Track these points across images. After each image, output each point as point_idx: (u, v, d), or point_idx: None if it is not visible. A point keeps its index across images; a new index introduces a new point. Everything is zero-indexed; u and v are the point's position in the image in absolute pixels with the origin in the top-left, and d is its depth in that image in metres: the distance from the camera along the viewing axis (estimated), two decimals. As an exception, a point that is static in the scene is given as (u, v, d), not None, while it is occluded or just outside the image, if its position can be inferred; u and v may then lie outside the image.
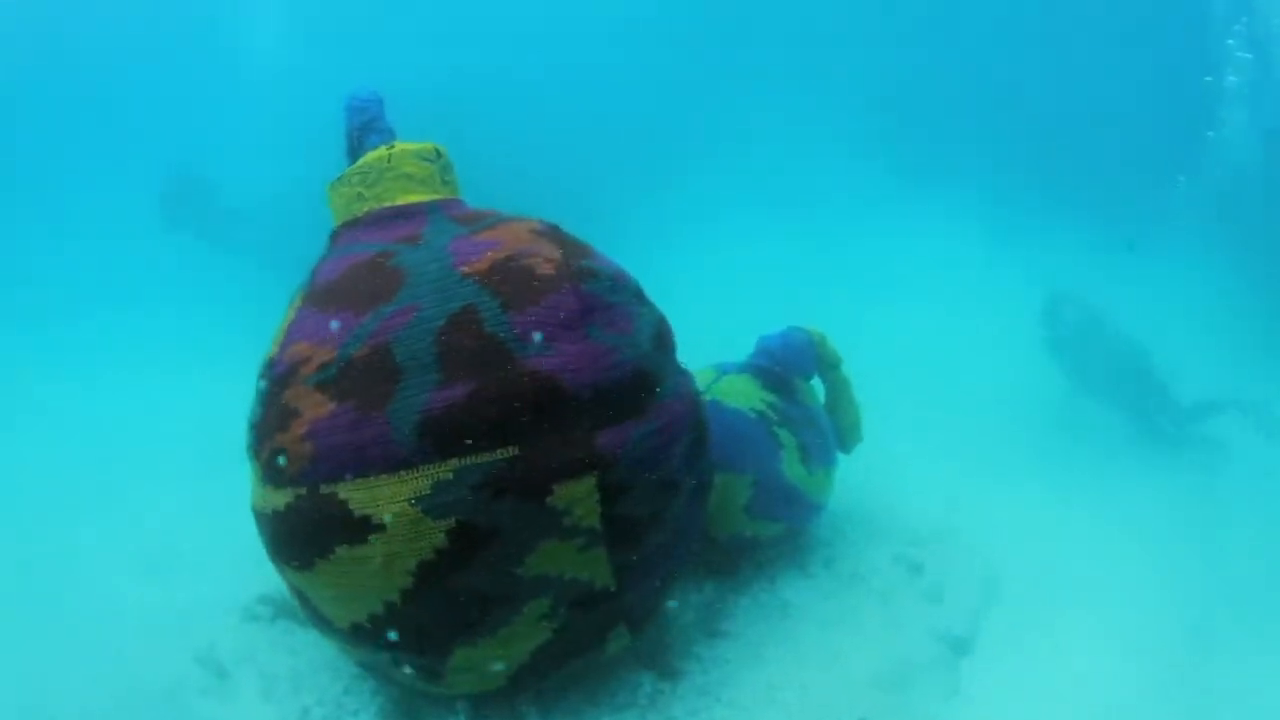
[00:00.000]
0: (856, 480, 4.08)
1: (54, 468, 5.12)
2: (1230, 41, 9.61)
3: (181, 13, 16.71)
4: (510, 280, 2.37)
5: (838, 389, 3.87)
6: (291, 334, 2.46)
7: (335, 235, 2.75)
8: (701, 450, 2.70)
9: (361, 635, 2.41)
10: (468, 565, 2.23)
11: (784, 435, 3.39)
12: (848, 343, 3.90)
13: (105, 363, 7.77)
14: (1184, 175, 9.88)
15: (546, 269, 2.43)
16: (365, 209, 2.70)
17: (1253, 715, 3.09)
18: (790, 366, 3.65)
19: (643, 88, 15.31)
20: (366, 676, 2.84)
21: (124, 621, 3.32)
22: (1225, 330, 7.91)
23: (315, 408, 2.27)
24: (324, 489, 2.24)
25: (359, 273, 2.46)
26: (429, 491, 2.18)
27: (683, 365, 2.83)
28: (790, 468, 3.36)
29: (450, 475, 2.18)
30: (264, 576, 3.00)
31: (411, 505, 2.18)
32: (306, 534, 2.29)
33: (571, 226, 2.78)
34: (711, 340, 3.87)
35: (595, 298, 2.46)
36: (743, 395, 3.46)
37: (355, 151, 2.88)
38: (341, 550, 2.25)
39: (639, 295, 2.71)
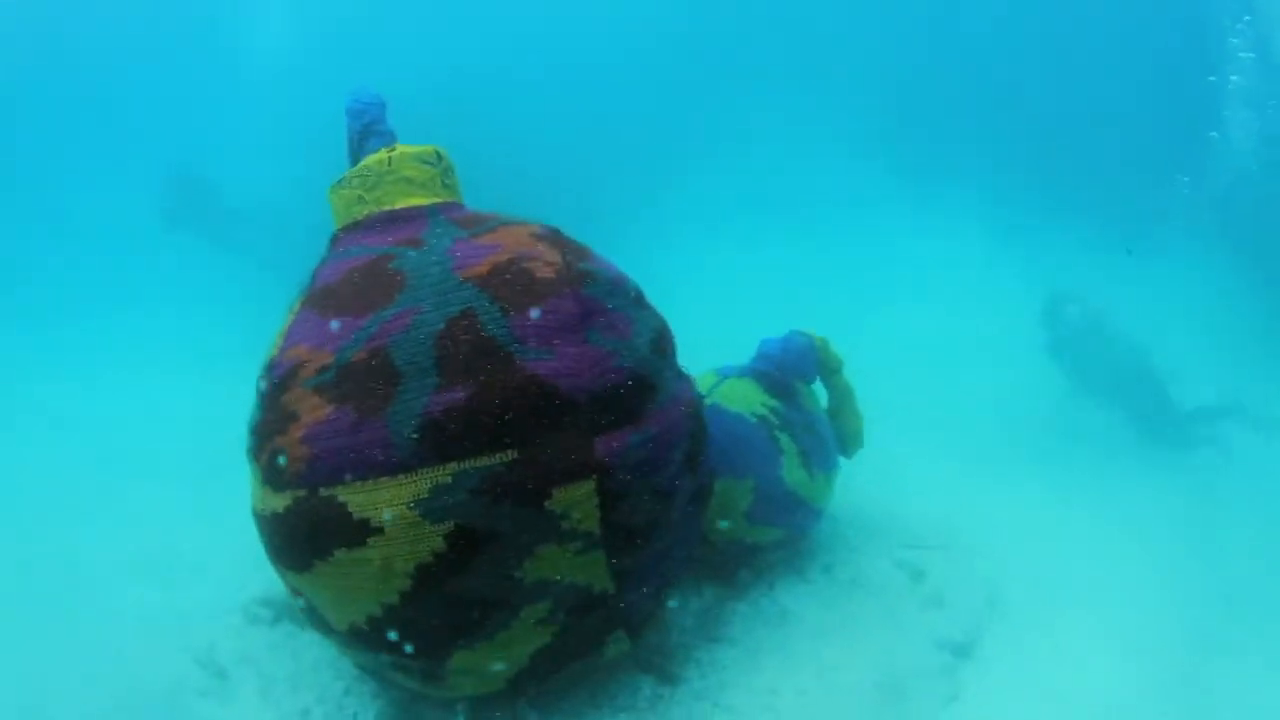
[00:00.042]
0: (857, 484, 4.08)
1: (54, 468, 5.12)
2: (1233, 40, 9.56)
3: (181, 13, 16.70)
4: (510, 284, 2.37)
5: (839, 393, 3.87)
6: (291, 336, 2.46)
7: (336, 238, 2.76)
8: (701, 455, 2.70)
9: (360, 637, 2.41)
10: (466, 569, 2.23)
11: (785, 440, 3.38)
12: (848, 344, 3.90)
13: (105, 363, 7.78)
14: (1187, 176, 9.83)
15: (546, 273, 2.43)
16: (366, 212, 2.70)
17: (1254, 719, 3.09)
18: (791, 371, 3.65)
19: (643, 89, 15.32)
20: (367, 678, 2.84)
21: (124, 622, 3.32)
22: (1226, 331, 7.91)
23: (314, 411, 2.28)
24: (323, 492, 2.24)
25: (359, 276, 2.46)
26: (427, 495, 2.18)
27: (683, 369, 2.83)
28: (791, 473, 3.35)
29: (449, 479, 2.18)
30: (265, 578, 3.00)
31: (410, 508, 2.18)
32: (305, 536, 2.29)
33: (572, 229, 2.78)
34: (713, 344, 3.87)
35: (595, 302, 2.46)
36: (744, 400, 3.45)
37: (356, 154, 2.88)
38: (340, 553, 2.25)
39: (639, 299, 2.70)
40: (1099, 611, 3.47)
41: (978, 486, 4.61)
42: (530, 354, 2.28)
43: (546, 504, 2.23)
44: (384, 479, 2.19)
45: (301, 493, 2.28)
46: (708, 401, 3.35)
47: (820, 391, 3.87)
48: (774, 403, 3.48)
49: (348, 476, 2.21)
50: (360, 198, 2.71)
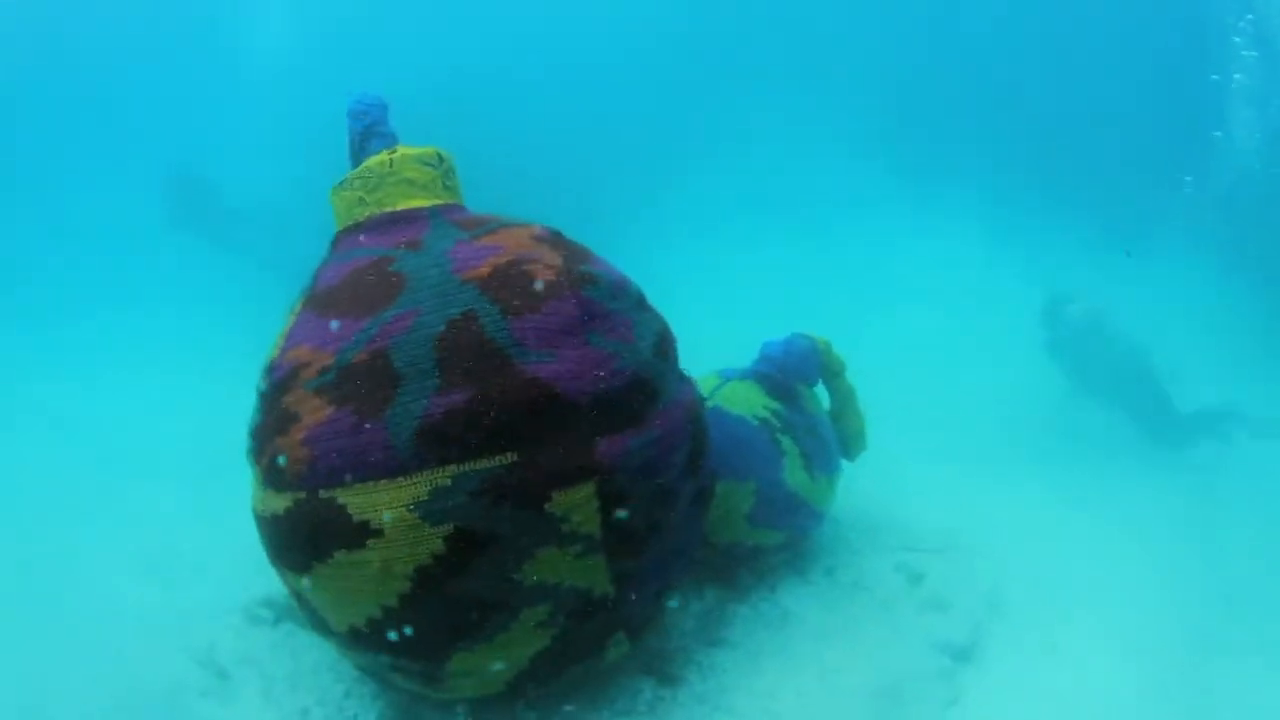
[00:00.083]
0: (859, 486, 4.07)
1: (54, 468, 5.12)
2: (1236, 39, 9.52)
3: (182, 13, 16.70)
4: (510, 286, 2.36)
5: (842, 396, 3.86)
6: (292, 338, 2.46)
7: (337, 240, 2.75)
8: (702, 458, 2.69)
9: (360, 639, 2.41)
10: (465, 571, 2.23)
11: (786, 443, 3.38)
12: (849, 345, 3.89)
13: (105, 363, 7.78)
14: (1190, 175, 9.79)
15: (547, 275, 2.43)
16: (367, 214, 2.69)
17: (1256, 722, 3.09)
18: (793, 373, 3.64)
19: (643, 90, 15.30)
20: (367, 680, 2.85)
21: (124, 622, 3.31)
22: (1226, 331, 7.91)
23: (314, 412, 2.28)
24: (323, 493, 2.24)
25: (360, 278, 2.46)
26: (427, 497, 2.18)
27: (685, 372, 2.82)
28: (793, 475, 3.35)
29: (448, 481, 2.18)
30: (266, 579, 3.00)
31: (410, 511, 2.18)
32: (305, 538, 2.29)
33: (573, 230, 2.78)
34: (715, 346, 3.87)
35: (596, 304, 2.45)
36: (745, 402, 3.44)
37: (358, 156, 2.87)
38: (340, 555, 2.25)
39: (640, 302, 2.70)
40: (1099, 614, 3.47)
41: (979, 488, 4.61)
42: (531, 356, 2.27)
43: (546, 507, 2.23)
44: (384, 481, 2.19)
45: (301, 494, 2.28)
46: (710, 404, 3.34)
47: (823, 394, 3.87)
48: (776, 405, 3.47)
49: (348, 478, 2.21)
50: (361, 199, 2.71)
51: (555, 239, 2.65)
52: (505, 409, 2.21)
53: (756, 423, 3.38)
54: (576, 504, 2.26)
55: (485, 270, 2.39)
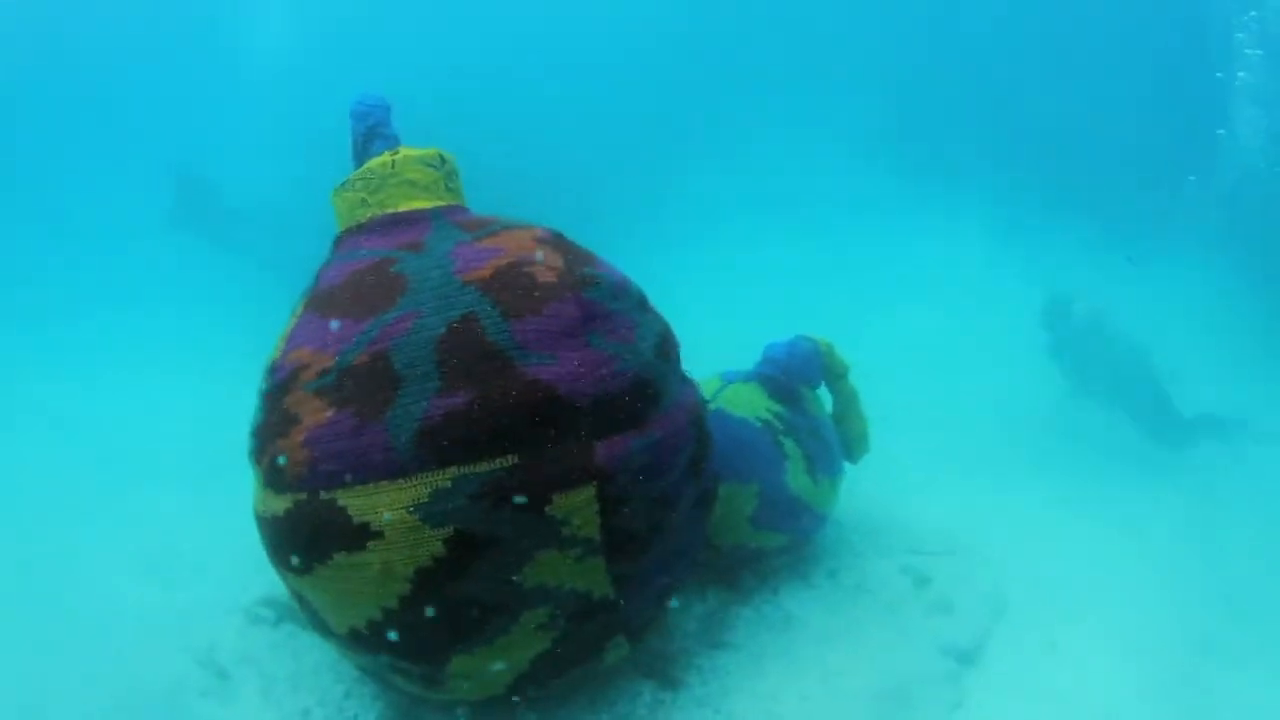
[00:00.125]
0: (862, 489, 4.07)
1: (54, 468, 5.12)
2: (1240, 35, 9.47)
3: (183, 13, 16.71)
4: (511, 288, 2.35)
5: (845, 398, 3.85)
6: (293, 339, 2.46)
7: (339, 241, 2.75)
8: (704, 461, 2.68)
9: (360, 641, 2.40)
10: (465, 574, 2.22)
11: (789, 445, 3.37)
12: (851, 346, 3.88)
13: (105, 363, 7.78)
14: (1194, 175, 9.73)
15: (548, 277, 2.42)
16: (369, 215, 2.69)
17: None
18: (796, 376, 3.63)
19: (644, 91, 15.29)
20: (368, 680, 2.84)
21: (124, 622, 3.31)
22: (1228, 331, 7.90)
23: (315, 414, 2.27)
24: (323, 495, 2.24)
25: (361, 279, 2.45)
26: (427, 499, 2.17)
27: (687, 374, 2.81)
28: (795, 478, 3.34)
29: (449, 484, 2.17)
30: (266, 579, 3.00)
31: (410, 513, 2.17)
32: (306, 539, 2.29)
33: (575, 231, 2.77)
34: (715, 346, 3.87)
35: (597, 306, 2.44)
36: (748, 404, 3.43)
37: (360, 157, 2.87)
38: (340, 556, 2.24)
39: (642, 303, 2.69)
40: (1102, 616, 3.46)
41: (981, 490, 4.60)
42: (531, 358, 2.27)
43: (547, 509, 2.22)
44: (384, 483, 2.18)
45: (302, 495, 2.27)
46: (712, 406, 3.33)
47: (826, 396, 3.86)
48: (778, 408, 3.47)
49: (348, 480, 2.21)
50: (363, 200, 2.70)
51: (557, 241, 2.64)
52: (506, 411, 2.20)
53: (759, 425, 3.37)
54: (577, 507, 2.25)
55: (487, 272, 2.38)
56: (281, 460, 2.31)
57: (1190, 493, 5.11)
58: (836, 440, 3.71)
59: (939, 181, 12.56)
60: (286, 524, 2.32)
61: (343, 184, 2.77)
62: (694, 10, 16.36)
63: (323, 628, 2.50)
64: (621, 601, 2.46)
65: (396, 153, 2.75)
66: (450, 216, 2.68)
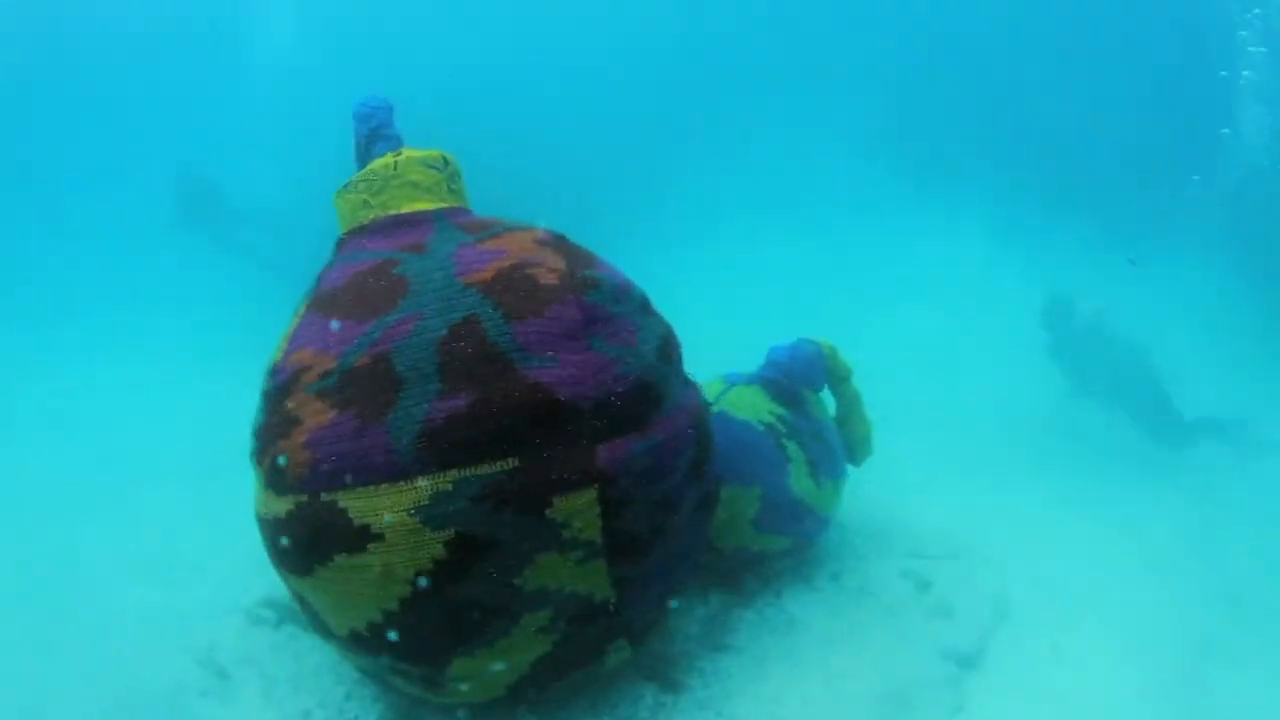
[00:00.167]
0: (865, 491, 4.06)
1: (54, 468, 5.13)
2: (1243, 33, 9.41)
3: (185, 14, 16.71)
4: (513, 290, 2.35)
5: (848, 402, 3.84)
6: (295, 340, 2.45)
7: (341, 242, 2.74)
8: (706, 464, 2.68)
9: (360, 643, 2.40)
10: (466, 576, 2.21)
11: (792, 448, 3.36)
12: (851, 347, 3.87)
13: (105, 363, 7.78)
14: (1198, 175, 9.66)
15: (550, 279, 2.41)
16: (371, 216, 2.68)
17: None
18: (799, 378, 3.62)
19: (645, 92, 15.28)
20: (368, 682, 2.84)
21: (124, 622, 3.32)
22: (1232, 332, 7.89)
23: (316, 416, 2.27)
24: (324, 497, 2.23)
25: (363, 280, 2.45)
26: (428, 502, 2.17)
27: (690, 376, 2.81)
28: (798, 481, 3.33)
29: (449, 486, 2.17)
30: (266, 579, 3.00)
31: (410, 515, 2.17)
32: (307, 541, 2.28)
33: (577, 231, 2.77)
34: (715, 346, 3.86)
35: (599, 309, 2.44)
36: (751, 407, 3.43)
37: (364, 158, 2.87)
38: (340, 558, 2.24)
39: (644, 306, 2.68)
40: (1105, 619, 3.45)
41: (983, 492, 4.59)
42: (533, 361, 2.26)
43: (547, 512, 2.21)
44: (385, 485, 2.18)
45: (303, 497, 2.27)
46: (715, 409, 3.33)
47: (829, 399, 3.85)
48: (781, 410, 3.46)
49: (349, 482, 2.20)
50: (366, 202, 2.69)
51: (559, 243, 2.63)
52: (507, 414, 2.20)
53: (762, 428, 3.36)
54: (577, 510, 2.25)
55: (488, 274, 2.38)
56: (282, 461, 2.31)
57: (1191, 493, 5.11)
58: (839, 443, 3.69)
59: (939, 181, 12.56)
60: (288, 525, 2.32)
61: (345, 185, 2.77)
62: (694, 11, 16.36)
63: (323, 629, 2.50)
64: (623, 604, 2.45)
65: (399, 154, 2.75)
66: (453, 218, 2.67)
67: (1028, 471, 5.15)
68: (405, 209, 2.67)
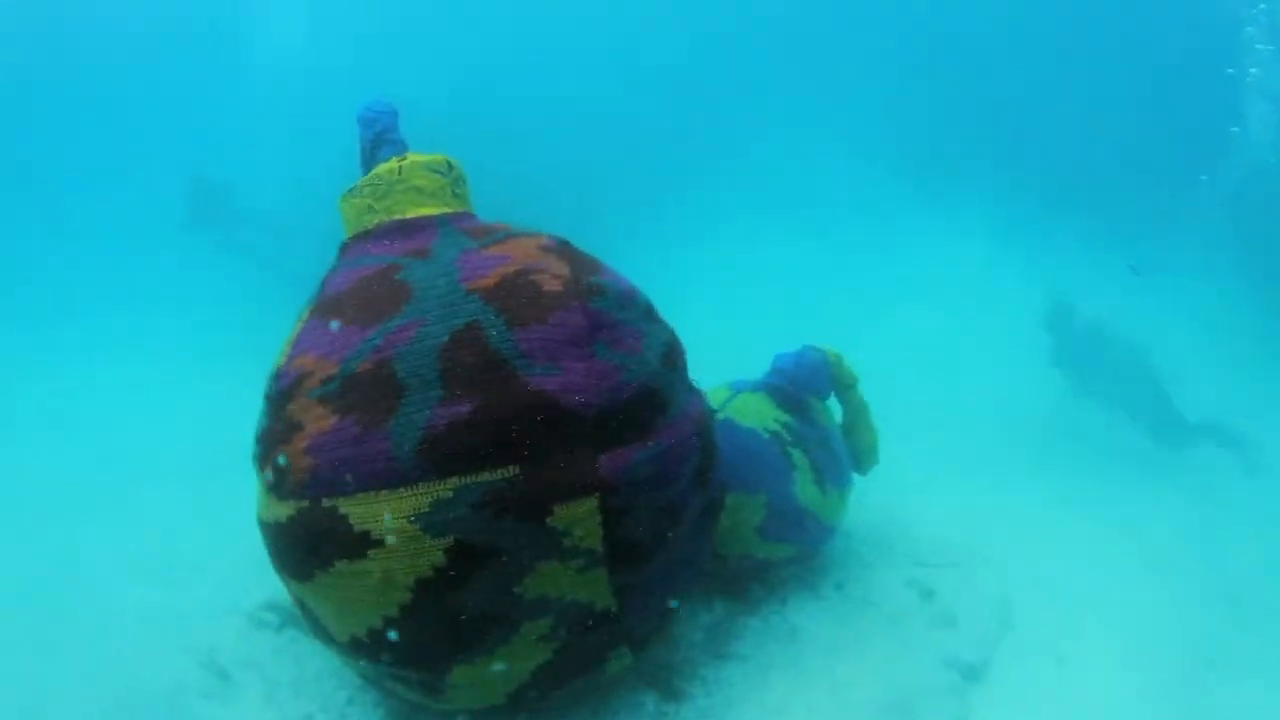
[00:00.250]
0: (872, 499, 4.04)
1: (54, 468, 5.12)
2: (1250, 29, 9.34)
3: (189, 14, 16.71)
4: (516, 297, 2.34)
5: (854, 410, 3.82)
6: (298, 345, 2.44)
7: (345, 247, 2.73)
8: (711, 470, 2.66)
9: (360, 649, 2.39)
10: (466, 584, 2.20)
11: (797, 456, 3.34)
12: (853, 349, 3.86)
13: (105, 363, 7.77)
14: (1206, 174, 9.59)
15: (554, 286, 2.40)
16: (376, 221, 2.67)
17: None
18: (805, 386, 3.60)
19: (648, 95, 15.26)
20: (370, 688, 2.83)
21: (124, 623, 3.31)
22: (1230, 333, 7.88)
23: (318, 421, 2.26)
24: (325, 503, 2.23)
25: (367, 286, 2.44)
26: (428, 509, 2.16)
27: (695, 383, 2.79)
28: (803, 489, 3.31)
29: (450, 493, 2.16)
30: (269, 582, 2.98)
31: (411, 522, 2.16)
32: (308, 546, 2.28)
33: (580, 235, 2.75)
34: (716, 347, 3.85)
35: (603, 315, 2.42)
36: (756, 414, 3.41)
37: (369, 163, 2.86)
38: (341, 564, 2.23)
39: (649, 313, 2.66)
40: (1109, 627, 3.44)
41: (987, 497, 4.57)
42: (535, 368, 2.25)
43: (548, 520, 2.20)
44: (385, 491, 2.17)
45: (304, 503, 2.26)
46: (720, 416, 3.32)
47: (836, 407, 3.83)
48: (787, 418, 3.44)
49: (350, 488, 2.19)
50: (370, 207, 2.68)
51: (563, 249, 2.62)
52: (508, 421, 2.19)
53: (767, 435, 3.35)
54: (578, 518, 2.23)
55: (492, 280, 2.36)
56: (284, 467, 2.30)
57: (1191, 493, 5.11)
58: (845, 451, 3.68)
59: (940, 182, 12.54)
60: (289, 530, 2.31)
61: (350, 190, 2.76)
62: (696, 13, 16.34)
63: (324, 635, 2.49)
64: (624, 613, 2.44)
65: (404, 159, 2.73)
66: (457, 223, 2.66)
67: (1029, 472, 5.15)
68: (410, 214, 2.65)
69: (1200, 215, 9.49)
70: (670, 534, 2.48)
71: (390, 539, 2.17)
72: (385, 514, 2.17)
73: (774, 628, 3.21)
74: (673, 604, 2.69)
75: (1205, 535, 4.50)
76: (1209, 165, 9.55)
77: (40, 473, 5.01)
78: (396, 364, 2.24)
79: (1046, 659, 3.22)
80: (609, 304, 2.47)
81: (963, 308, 8.68)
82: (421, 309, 2.31)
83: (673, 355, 2.64)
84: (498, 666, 2.38)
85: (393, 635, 2.30)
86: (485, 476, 2.17)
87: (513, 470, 2.18)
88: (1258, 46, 9.17)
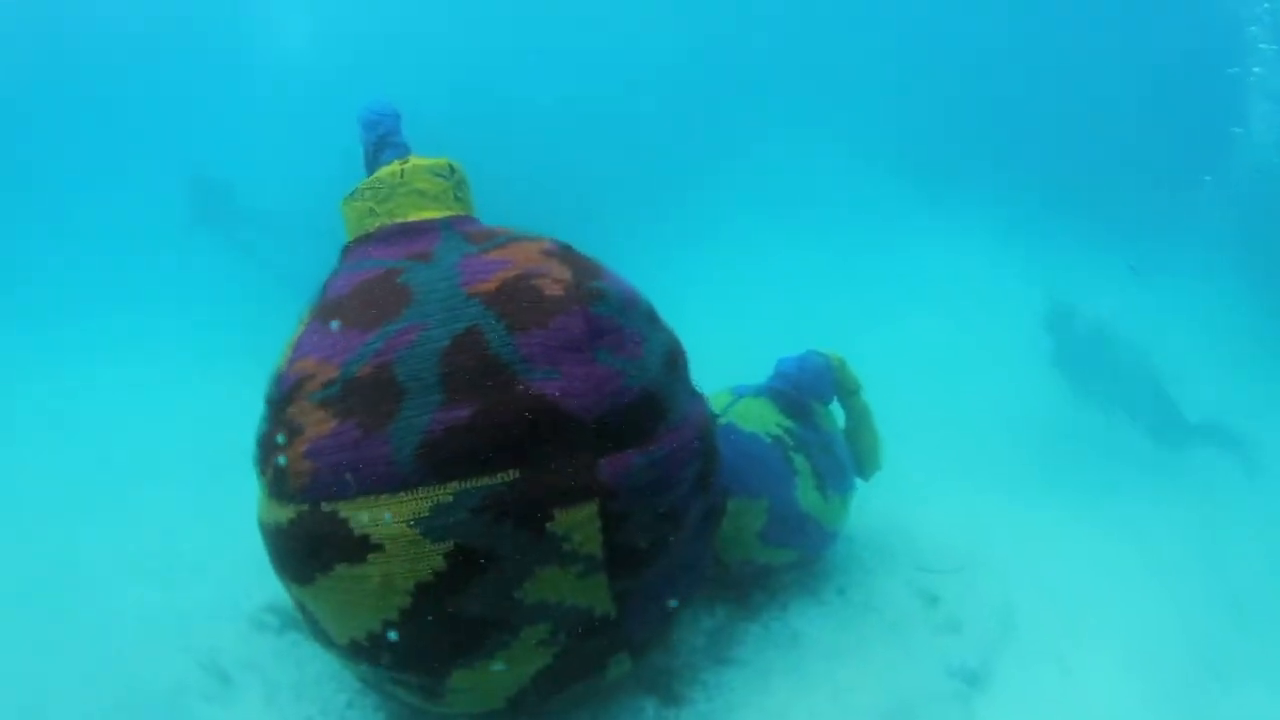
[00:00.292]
0: (873, 505, 4.03)
1: (54, 468, 5.10)
2: (1253, 29, 9.31)
3: (190, 15, 16.71)
4: (517, 301, 2.33)
5: (857, 414, 3.81)
6: (299, 348, 2.44)
7: (347, 250, 2.72)
8: (712, 475, 2.65)
9: (360, 652, 2.38)
10: (466, 588, 2.20)
11: (799, 461, 3.34)
12: (855, 354, 3.85)
13: (105, 363, 7.76)
14: (1210, 175, 9.55)
15: (555, 290, 2.39)
16: (377, 224, 2.66)
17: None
18: (808, 391, 3.59)
19: (650, 98, 15.24)
20: (370, 691, 2.82)
21: (124, 624, 3.30)
22: (1232, 335, 7.88)
23: (318, 425, 2.26)
24: (325, 506, 2.22)
25: (368, 289, 2.43)
26: (428, 513, 2.15)
27: (697, 388, 2.78)
28: (805, 494, 3.31)
29: (450, 498, 2.15)
30: (269, 585, 2.97)
31: (410, 526, 2.15)
32: (308, 550, 2.27)
33: (581, 238, 2.75)
34: (716, 349, 3.83)
35: (604, 320, 2.41)
36: (759, 419, 3.40)
37: (371, 166, 2.85)
38: (341, 568, 2.23)
39: (651, 317, 2.66)
40: (1111, 631, 3.43)
41: (990, 503, 4.55)
42: (536, 373, 2.24)
43: (548, 526, 2.19)
44: (385, 495, 2.17)
45: (304, 506, 2.26)
46: (722, 420, 3.31)
47: (838, 412, 3.82)
48: (789, 423, 3.43)
49: (350, 492, 2.19)
50: (372, 210, 2.67)
51: (565, 253, 2.61)
52: (508, 426, 2.18)
53: (769, 440, 3.34)
54: (578, 523, 2.23)
55: (493, 285, 2.36)
56: (285, 471, 2.30)
57: (1194, 497, 5.10)
58: (848, 457, 3.67)
59: (942, 184, 12.53)
60: (289, 534, 2.31)
61: (352, 193, 2.75)
62: (698, 15, 16.33)
63: (324, 638, 2.48)
64: (624, 618, 2.43)
65: (406, 162, 2.73)
66: (459, 227, 2.65)
67: (1030, 475, 5.14)
68: (411, 217, 2.65)
69: (1202, 216, 9.46)
70: (671, 539, 2.47)
71: (390, 543, 2.17)
72: (385, 517, 2.16)
73: (775, 633, 3.20)
74: (672, 603, 2.68)
75: (1206, 537, 4.50)
76: (1212, 166, 9.52)
77: (40, 473, 4.99)
78: (397, 368, 2.23)
79: (1049, 664, 3.21)
80: (610, 309, 2.47)
81: (963, 309, 8.67)
82: (422, 313, 2.30)
83: (674, 360, 2.63)
84: (497, 671, 2.37)
85: (392, 638, 2.29)
86: (485, 481, 2.17)
87: (513, 475, 2.18)
88: (1261, 46, 9.15)
